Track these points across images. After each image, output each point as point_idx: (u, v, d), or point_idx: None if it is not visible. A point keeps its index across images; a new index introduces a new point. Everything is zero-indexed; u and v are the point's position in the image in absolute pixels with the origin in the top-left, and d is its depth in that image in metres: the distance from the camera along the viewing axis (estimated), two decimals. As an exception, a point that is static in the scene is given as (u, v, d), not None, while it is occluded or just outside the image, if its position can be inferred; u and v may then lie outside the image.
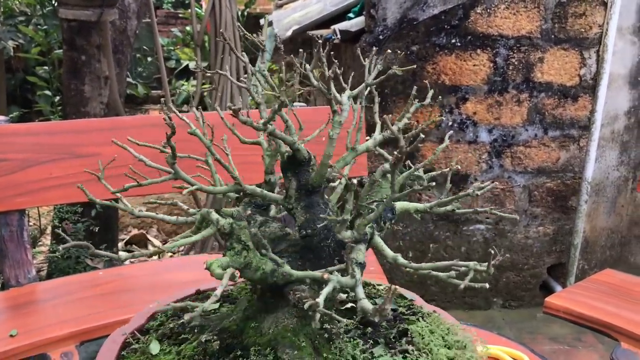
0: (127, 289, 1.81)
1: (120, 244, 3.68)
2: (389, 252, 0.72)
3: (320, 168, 0.81)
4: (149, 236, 3.96)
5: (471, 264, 0.71)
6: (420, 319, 0.92)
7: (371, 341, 0.81)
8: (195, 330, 0.82)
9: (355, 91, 0.86)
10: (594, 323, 1.62)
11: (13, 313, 1.66)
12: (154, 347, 0.78)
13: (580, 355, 2.42)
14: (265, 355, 0.73)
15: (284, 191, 0.83)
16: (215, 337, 0.77)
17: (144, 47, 5.56)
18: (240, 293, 0.95)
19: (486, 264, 0.69)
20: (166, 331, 0.84)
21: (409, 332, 0.86)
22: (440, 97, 2.54)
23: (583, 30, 2.57)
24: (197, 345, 0.77)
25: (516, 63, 2.56)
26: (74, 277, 1.91)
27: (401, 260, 0.69)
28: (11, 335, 1.51)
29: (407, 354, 0.80)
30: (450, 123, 2.59)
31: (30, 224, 2.72)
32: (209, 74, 3.88)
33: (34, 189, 1.82)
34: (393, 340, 0.83)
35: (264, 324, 0.77)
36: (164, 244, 3.91)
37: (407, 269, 0.69)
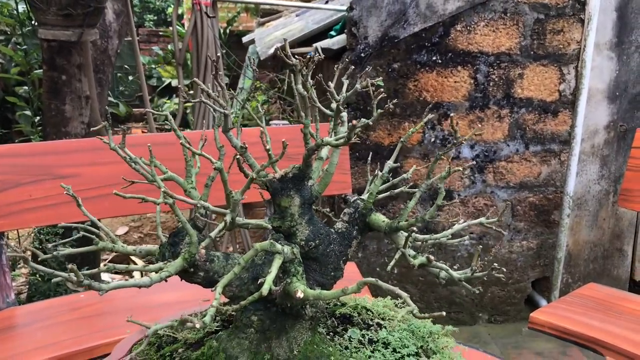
0: (109, 312, 1.79)
1: (102, 264, 3.63)
2: (268, 285, 0.71)
3: (324, 177, 0.82)
4: (132, 257, 3.91)
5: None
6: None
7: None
8: None
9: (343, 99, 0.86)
10: (579, 338, 1.62)
11: (-9, 339, 1.62)
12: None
13: (566, 369, 2.42)
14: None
15: (270, 214, 0.82)
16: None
17: (126, 66, 5.55)
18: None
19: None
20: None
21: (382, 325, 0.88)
22: (425, 113, 2.56)
23: (561, 46, 2.61)
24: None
25: (496, 79, 2.59)
26: (55, 301, 1.87)
27: (299, 294, 0.68)
28: (-11, 363, 1.48)
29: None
30: (432, 139, 2.60)
31: (10, 245, 2.67)
32: (191, 92, 3.87)
33: (13, 211, 1.79)
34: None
35: (281, 347, 0.77)
36: (146, 263, 3.86)
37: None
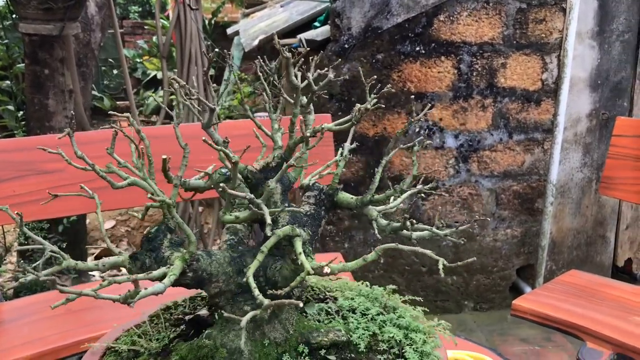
0: (95, 306, 1.79)
1: (90, 259, 3.63)
2: (303, 260, 0.73)
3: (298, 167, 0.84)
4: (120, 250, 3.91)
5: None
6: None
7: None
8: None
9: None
10: (561, 324, 1.65)
11: (-22, 335, 1.63)
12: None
13: (550, 355, 2.46)
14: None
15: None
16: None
17: (110, 59, 5.51)
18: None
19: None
20: None
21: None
22: (410, 104, 2.57)
23: (544, 35, 2.62)
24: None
25: (480, 69, 2.60)
26: (41, 296, 1.87)
27: (326, 269, 0.69)
28: (-25, 359, 1.48)
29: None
30: (417, 130, 2.62)
31: (-4, 241, 2.67)
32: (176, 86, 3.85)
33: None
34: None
35: (276, 330, 0.79)
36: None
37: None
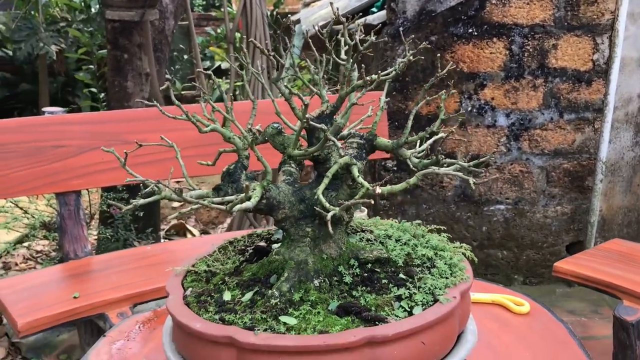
0: (172, 260, 2.01)
1: (162, 234, 3.91)
2: (362, 181, 0.88)
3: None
4: (187, 226, 4.18)
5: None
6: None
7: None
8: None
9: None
10: (598, 284, 1.76)
11: (74, 280, 1.88)
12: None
13: (597, 326, 2.54)
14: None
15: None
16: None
17: (181, 46, 5.81)
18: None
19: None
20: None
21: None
22: (462, 84, 2.69)
23: (595, 17, 2.69)
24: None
25: (531, 50, 2.69)
26: (125, 252, 2.12)
27: (378, 190, 0.84)
28: (74, 297, 1.72)
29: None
30: (469, 108, 2.73)
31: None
32: (242, 72, 4.08)
33: (87, 172, 2.03)
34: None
35: (331, 248, 0.97)
36: (202, 233, 4.13)
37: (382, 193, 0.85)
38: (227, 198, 0.88)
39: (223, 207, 0.82)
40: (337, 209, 0.80)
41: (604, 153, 2.72)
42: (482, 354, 1.16)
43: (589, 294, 2.74)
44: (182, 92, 6.61)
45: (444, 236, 1.11)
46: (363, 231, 1.12)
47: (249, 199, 0.89)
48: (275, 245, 1.11)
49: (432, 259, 1.01)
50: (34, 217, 2.71)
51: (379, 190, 0.86)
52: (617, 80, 2.67)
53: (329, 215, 0.78)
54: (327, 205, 0.83)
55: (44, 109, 2.06)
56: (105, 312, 1.73)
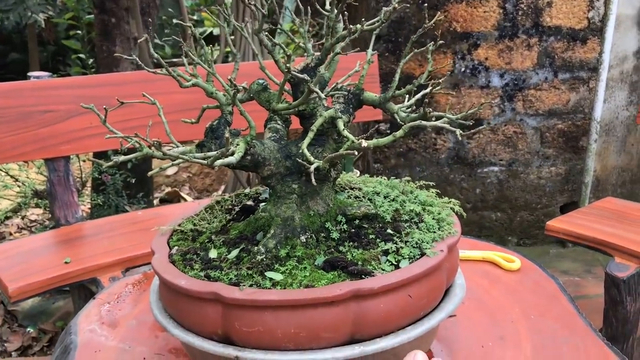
0: (163, 225, 2.00)
1: (156, 202, 3.90)
2: (347, 134, 0.86)
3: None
4: (181, 193, 4.17)
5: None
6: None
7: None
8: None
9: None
10: (590, 241, 1.76)
11: (65, 246, 1.87)
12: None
13: (589, 285, 2.56)
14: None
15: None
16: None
17: (170, 10, 5.71)
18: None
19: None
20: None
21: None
22: (455, 44, 2.66)
23: (591, -27, 2.64)
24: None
25: (525, 8, 2.65)
26: (116, 217, 2.10)
27: (364, 143, 0.83)
28: (66, 262, 1.72)
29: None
30: (462, 69, 2.70)
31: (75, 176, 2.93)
32: (232, 37, 4.02)
33: (76, 137, 2.01)
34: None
35: (318, 204, 0.95)
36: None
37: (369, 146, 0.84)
38: (210, 154, 0.86)
39: (205, 162, 0.80)
40: (321, 161, 0.79)
41: (598, 113, 2.71)
42: (471, 309, 1.16)
43: (582, 254, 2.76)
44: (173, 59, 6.54)
45: (432, 192, 1.10)
46: (351, 188, 1.11)
47: (232, 154, 0.87)
48: (263, 204, 1.10)
49: (420, 214, 1.00)
50: (24, 184, 2.69)
51: (364, 143, 0.84)
52: (612, 38, 2.63)
53: (312, 167, 0.77)
54: (312, 158, 0.81)
55: (29, 74, 2.03)
56: (97, 277, 1.72)
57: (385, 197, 1.06)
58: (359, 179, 1.18)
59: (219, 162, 0.80)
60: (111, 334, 1.13)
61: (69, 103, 1.99)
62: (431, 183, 1.15)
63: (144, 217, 2.08)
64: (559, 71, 2.74)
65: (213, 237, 0.99)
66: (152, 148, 0.87)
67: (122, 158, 0.88)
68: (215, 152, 0.86)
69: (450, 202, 1.08)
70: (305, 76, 0.81)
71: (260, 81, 1.02)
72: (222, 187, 4.13)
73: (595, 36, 2.70)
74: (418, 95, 1.04)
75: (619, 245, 1.69)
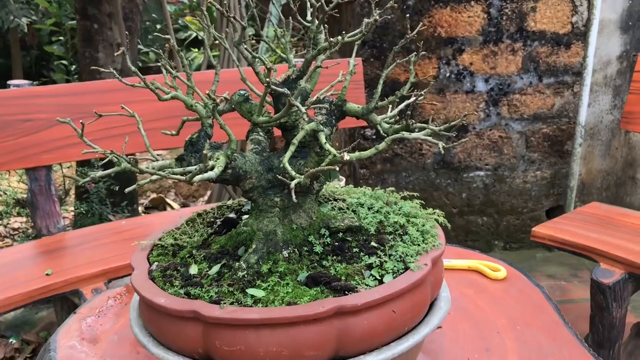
0: (147, 235, 1.97)
1: (141, 208, 3.86)
2: (329, 147, 0.84)
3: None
4: (167, 199, 4.14)
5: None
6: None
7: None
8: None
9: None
10: (576, 247, 1.76)
11: (47, 257, 1.84)
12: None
13: (575, 289, 2.56)
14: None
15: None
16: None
17: (154, 15, 5.68)
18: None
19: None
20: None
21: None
22: (440, 49, 2.65)
23: (574, -22, 2.65)
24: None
25: (509, 13, 2.66)
26: (100, 227, 2.08)
27: (346, 156, 0.82)
28: (47, 274, 1.69)
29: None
30: (447, 74, 2.70)
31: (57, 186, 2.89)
32: (216, 42, 3.99)
33: (58, 146, 1.98)
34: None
35: (300, 218, 0.94)
36: (182, 206, 4.09)
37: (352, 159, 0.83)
38: (189, 168, 0.84)
39: (182, 177, 0.78)
40: (302, 176, 0.77)
41: (583, 117, 2.72)
42: (457, 319, 1.15)
43: (568, 258, 2.76)
44: (159, 64, 6.48)
45: (416, 202, 1.09)
46: (335, 200, 1.10)
47: (212, 168, 0.85)
48: (245, 217, 1.08)
49: (405, 226, 0.99)
50: (6, 193, 2.65)
51: (347, 157, 0.83)
52: (595, 42, 2.65)
53: (293, 183, 0.75)
54: (293, 173, 0.80)
55: (9, 82, 2.00)
56: (80, 289, 1.70)
57: (369, 209, 1.05)
58: (342, 190, 1.16)
59: (197, 177, 0.79)
60: (92, 350, 1.11)
61: (49, 112, 1.97)
62: (416, 194, 1.14)
63: (128, 227, 2.05)
64: (544, 76, 2.75)
65: (194, 251, 0.98)
66: (130, 164, 0.85)
67: (99, 174, 0.86)
68: (195, 167, 0.85)
69: (434, 212, 1.07)
70: (286, 90, 0.79)
71: (242, 92, 1.00)
72: (208, 193, 4.11)
73: (579, 40, 2.71)
74: (401, 106, 1.03)
75: (604, 251, 1.69)
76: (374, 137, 2.75)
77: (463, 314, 1.16)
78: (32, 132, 1.93)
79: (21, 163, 1.93)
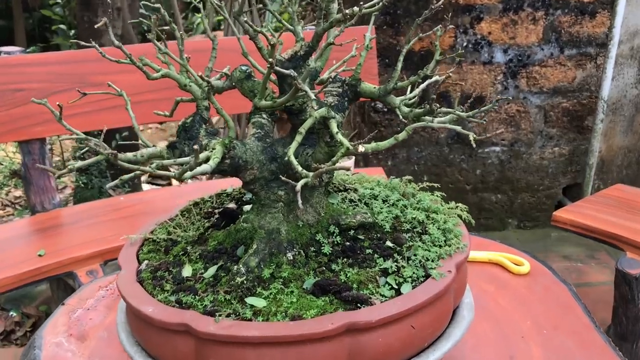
0: (146, 212, 1.89)
1: (144, 177, 3.76)
2: (342, 138, 0.73)
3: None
4: (171, 169, 4.04)
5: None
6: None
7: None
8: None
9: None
10: (600, 234, 1.65)
11: (40, 235, 1.75)
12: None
13: (592, 272, 2.46)
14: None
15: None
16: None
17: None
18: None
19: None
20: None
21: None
22: (457, 17, 2.51)
23: (602, -58, 2.48)
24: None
25: (532, -21, 2.50)
26: (97, 203, 1.98)
27: (361, 148, 0.71)
28: (39, 255, 1.60)
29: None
30: (464, 44, 2.56)
31: (55, 159, 2.80)
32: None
33: (51, 118, 1.86)
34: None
35: (308, 214, 0.84)
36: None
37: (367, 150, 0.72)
38: (180, 160, 0.73)
39: (172, 173, 0.68)
40: (310, 175, 0.66)
41: (606, 91, 2.57)
42: (477, 321, 1.05)
43: (585, 238, 2.66)
44: (164, 27, 6.29)
45: (437, 195, 0.98)
46: (346, 190, 0.99)
47: (207, 160, 0.75)
48: (246, 207, 0.98)
49: (424, 222, 0.88)
50: (2, 164, 2.56)
51: (361, 148, 0.72)
52: (624, 12, 2.49)
53: (299, 185, 0.64)
54: (299, 168, 0.69)
55: (0, 49, 1.88)
56: (74, 271, 1.61)
57: (384, 201, 0.94)
58: (354, 178, 1.06)
59: (188, 174, 0.68)
60: (79, 349, 1.02)
61: (42, 81, 1.86)
62: (436, 185, 1.03)
63: (127, 203, 1.96)
64: (565, 47, 2.60)
65: (189, 248, 0.88)
66: (111, 154, 0.74)
67: (77, 164, 0.76)
68: (186, 159, 0.74)
69: (457, 207, 0.96)
70: (292, 72, 0.68)
71: (244, 68, 0.89)
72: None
73: (605, 10, 2.56)
74: (423, 85, 0.92)
75: (632, 240, 1.58)
76: (385, 109, 2.62)
77: (483, 314, 1.06)
78: (23, 102, 1.82)
79: (13, 135, 1.83)
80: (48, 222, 1.82)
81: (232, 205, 0.99)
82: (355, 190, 0.99)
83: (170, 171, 0.71)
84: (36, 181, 1.88)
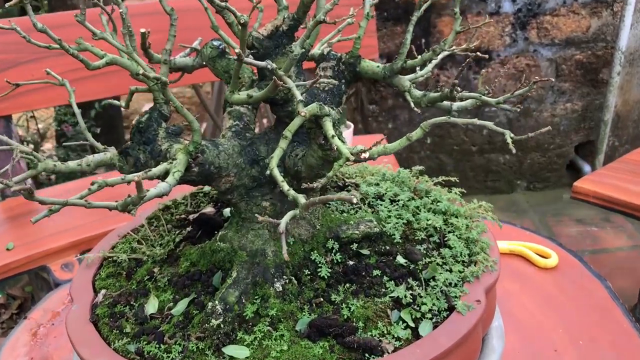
0: (122, 194, 1.72)
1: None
2: (339, 143, 0.57)
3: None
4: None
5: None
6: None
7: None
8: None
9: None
10: (625, 207, 1.50)
11: (10, 224, 1.59)
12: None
13: (609, 237, 2.32)
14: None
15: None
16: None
17: None
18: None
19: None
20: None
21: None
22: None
23: None
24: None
25: None
26: (72, 184, 1.82)
27: (365, 154, 0.55)
28: (8, 249, 1.45)
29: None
30: (469, -6, 2.35)
31: (32, 129, 2.62)
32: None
33: (16, 93, 1.69)
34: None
35: (301, 227, 0.68)
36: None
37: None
38: (129, 177, 0.57)
39: (114, 204, 0.51)
40: (303, 202, 0.50)
41: (623, 41, 2.38)
42: (504, 330, 0.91)
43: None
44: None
45: (456, 192, 0.81)
46: (345, 186, 0.83)
47: (165, 174, 0.58)
48: (227, 210, 0.82)
49: (441, 230, 0.72)
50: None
51: (365, 155, 0.55)
52: (643, -47, 2.27)
53: (283, 223, 0.48)
54: (285, 187, 0.52)
55: (-45, 17, 1.68)
56: (47, 264, 1.46)
57: (391, 202, 0.78)
58: (355, 169, 0.89)
59: (146, 197, 0.52)
60: (40, 378, 0.88)
61: (5, 51, 1.67)
62: (453, 179, 0.86)
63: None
64: (580, -7, 2.39)
65: (155, 270, 0.72)
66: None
67: (16, 178, 0.59)
68: (136, 175, 0.57)
69: (480, 206, 0.80)
70: (268, 62, 0.50)
71: (216, 43, 0.71)
72: (204, 126, 3.82)
73: (623, -49, 2.34)
74: (436, 60, 0.76)
75: (663, 213, 1.43)
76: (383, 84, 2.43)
77: (510, 324, 0.91)
78: (-16, 77, 1.63)
79: (-26, 114, 1.65)
80: (19, 208, 1.66)
81: (209, 209, 0.83)
82: (357, 186, 0.82)
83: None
84: (3, 164, 1.71)
